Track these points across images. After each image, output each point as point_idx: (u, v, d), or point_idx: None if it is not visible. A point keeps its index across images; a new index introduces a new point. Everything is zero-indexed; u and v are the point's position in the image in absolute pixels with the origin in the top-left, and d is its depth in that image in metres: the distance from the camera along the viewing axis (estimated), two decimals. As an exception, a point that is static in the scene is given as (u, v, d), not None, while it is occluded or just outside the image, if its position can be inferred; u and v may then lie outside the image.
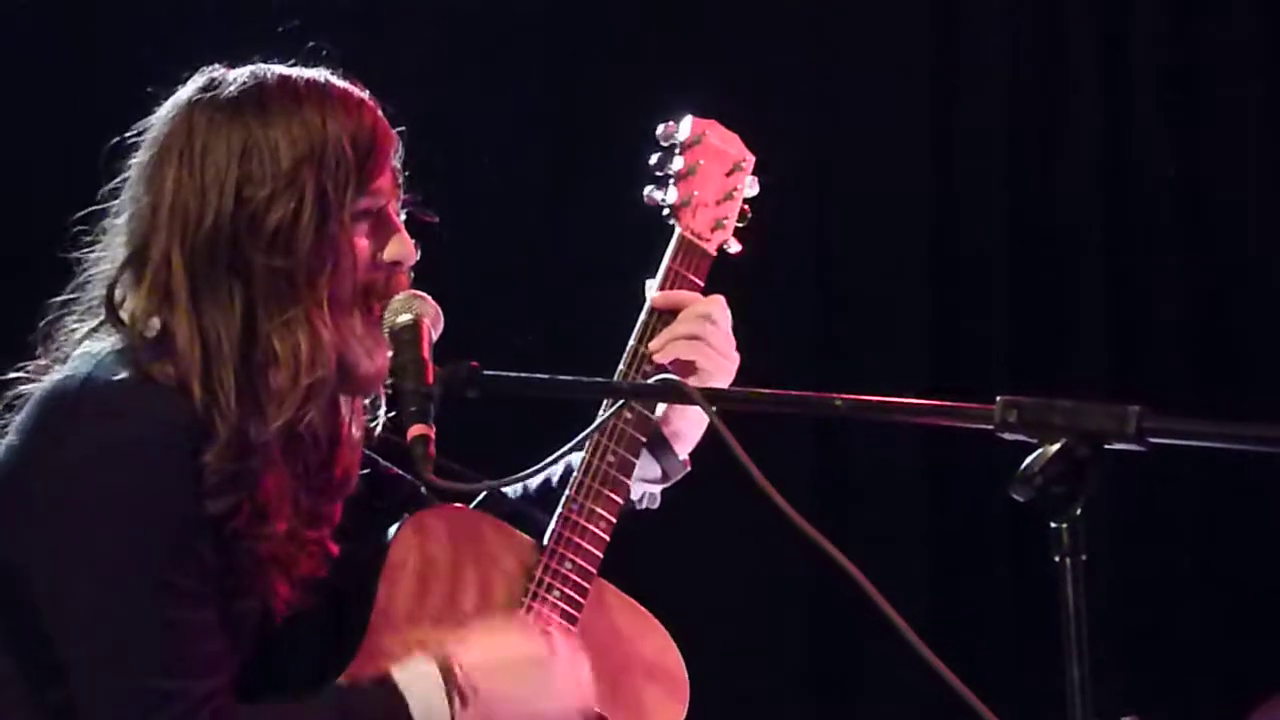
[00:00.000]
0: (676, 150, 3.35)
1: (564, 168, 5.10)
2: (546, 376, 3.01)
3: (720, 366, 3.21)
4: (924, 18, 5.25)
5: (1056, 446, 2.31)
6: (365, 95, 3.01)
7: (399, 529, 3.06)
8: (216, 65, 3.01)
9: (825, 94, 5.25)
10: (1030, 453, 2.32)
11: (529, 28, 5.10)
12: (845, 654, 4.94)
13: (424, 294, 2.96)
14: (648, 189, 3.34)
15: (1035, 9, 5.26)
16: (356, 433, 3.08)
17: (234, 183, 2.90)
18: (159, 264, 2.91)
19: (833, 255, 5.27)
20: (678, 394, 2.73)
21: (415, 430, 2.77)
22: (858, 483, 5.06)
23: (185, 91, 3.00)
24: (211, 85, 2.98)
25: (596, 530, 3.14)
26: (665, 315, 3.24)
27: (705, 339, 3.20)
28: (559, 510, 3.15)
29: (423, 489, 3.11)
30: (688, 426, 3.24)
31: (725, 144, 3.37)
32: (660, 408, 3.22)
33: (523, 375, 2.99)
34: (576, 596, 3.10)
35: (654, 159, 3.36)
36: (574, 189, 5.04)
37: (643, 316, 3.24)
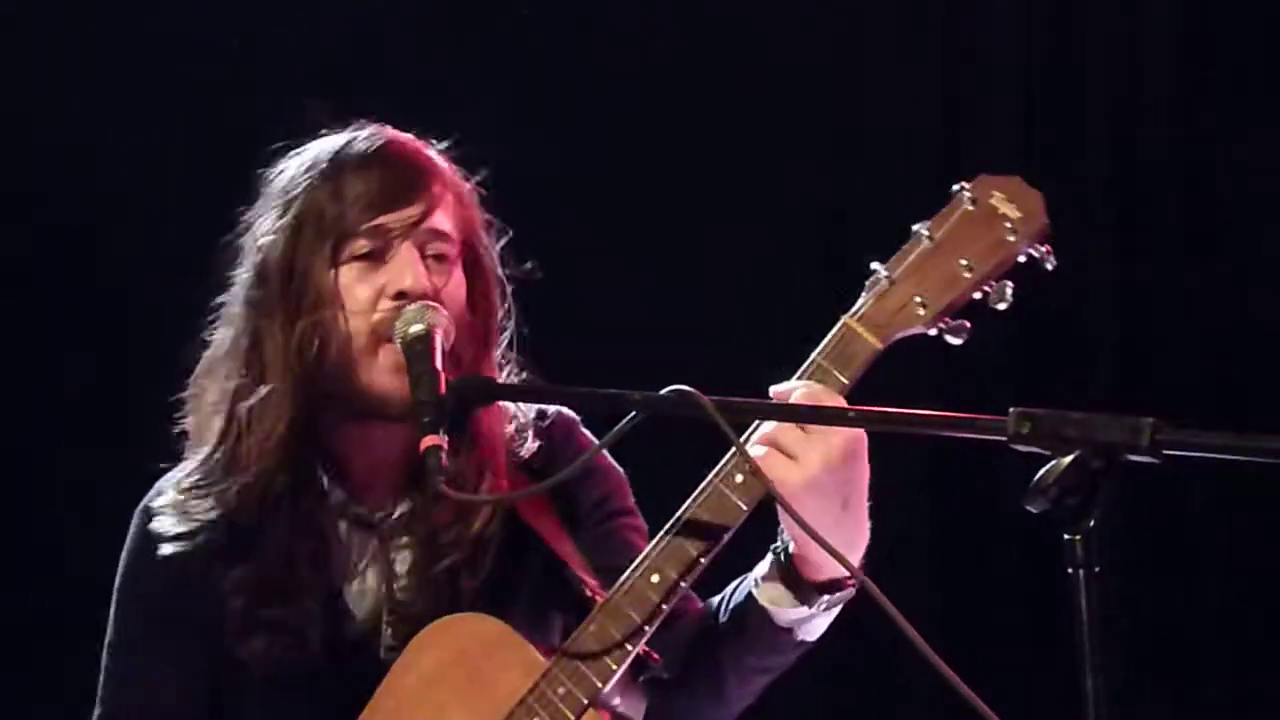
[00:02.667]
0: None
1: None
2: (558, 387, 3.06)
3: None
4: (937, 20, 5.24)
5: (1070, 458, 2.30)
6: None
7: (419, 633, 3.01)
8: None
9: (838, 100, 5.25)
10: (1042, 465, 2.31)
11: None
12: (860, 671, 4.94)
13: (436, 304, 2.97)
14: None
15: (1049, 13, 5.25)
16: None
17: None
18: None
19: (845, 265, 5.25)
20: (688, 405, 2.71)
21: (428, 441, 2.78)
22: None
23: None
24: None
25: (607, 659, 2.90)
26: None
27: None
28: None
29: None
30: (814, 552, 2.88)
31: (1014, 206, 2.89)
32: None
33: (534, 386, 3.05)
34: None
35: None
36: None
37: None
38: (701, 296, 5.11)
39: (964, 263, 2.85)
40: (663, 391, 2.74)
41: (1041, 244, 2.86)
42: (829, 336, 2.89)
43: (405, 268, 3.03)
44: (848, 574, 2.85)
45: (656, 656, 2.97)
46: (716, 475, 2.86)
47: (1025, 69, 5.24)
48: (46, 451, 5.07)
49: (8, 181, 5.09)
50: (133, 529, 3.20)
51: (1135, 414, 2.32)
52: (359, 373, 3.03)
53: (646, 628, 2.88)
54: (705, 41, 5.20)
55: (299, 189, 3.10)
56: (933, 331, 2.87)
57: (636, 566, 2.89)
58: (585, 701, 2.88)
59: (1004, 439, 2.37)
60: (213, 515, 3.11)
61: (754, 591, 2.96)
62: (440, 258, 3.08)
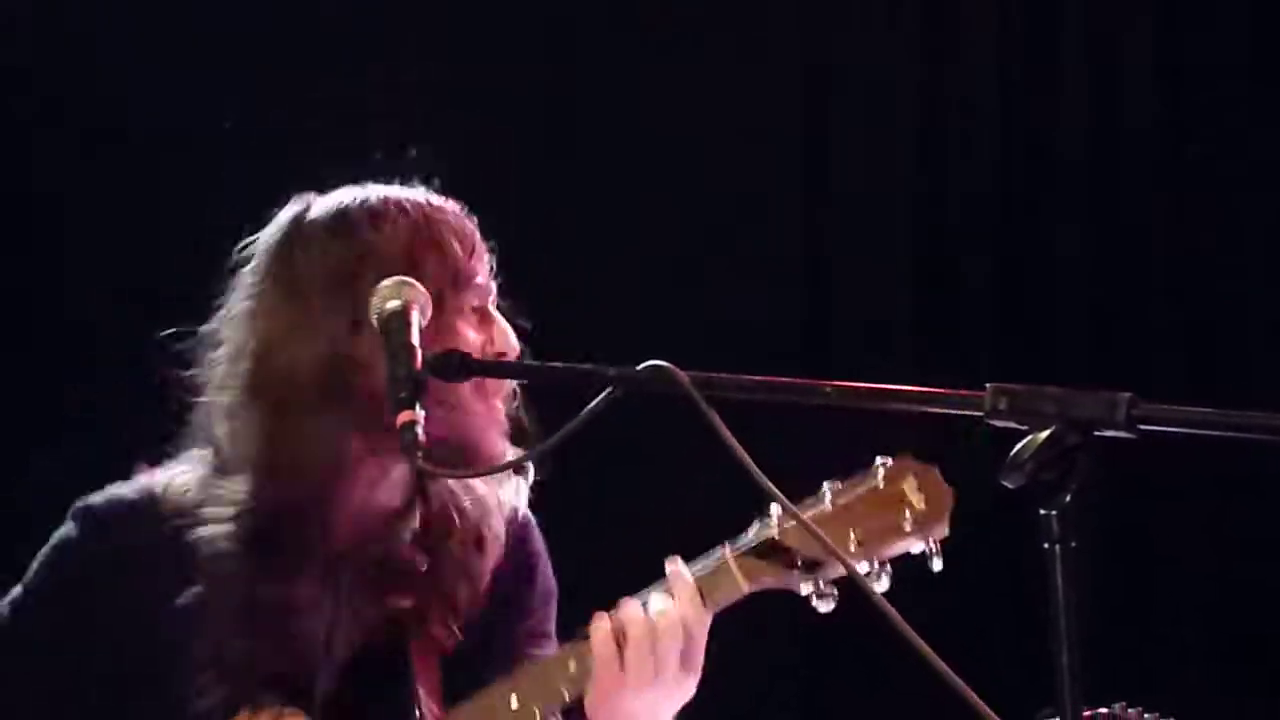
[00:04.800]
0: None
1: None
2: (534, 363, 3.06)
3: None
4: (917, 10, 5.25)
5: (1046, 433, 2.30)
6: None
7: None
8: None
9: (814, 80, 5.24)
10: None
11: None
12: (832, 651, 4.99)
13: (413, 280, 2.93)
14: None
15: (1026, 8, 5.24)
16: None
17: None
18: None
19: (821, 246, 5.27)
20: (666, 381, 2.69)
21: (404, 417, 2.75)
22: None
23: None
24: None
25: None
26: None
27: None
28: None
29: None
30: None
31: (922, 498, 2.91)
32: None
33: (509, 362, 3.03)
34: None
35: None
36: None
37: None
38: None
39: (854, 536, 2.89)
40: (639, 367, 2.71)
41: (935, 542, 2.89)
42: (706, 559, 2.94)
43: (506, 330, 3.05)
44: None
45: None
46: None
47: (1003, 50, 5.26)
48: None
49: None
50: (69, 527, 3.11)
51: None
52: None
53: None
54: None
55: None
56: (804, 591, 2.90)
57: (498, 687, 2.97)
58: None
59: (980, 414, 2.37)
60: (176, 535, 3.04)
61: None
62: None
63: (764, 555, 2.93)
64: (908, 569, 2.88)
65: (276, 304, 3.03)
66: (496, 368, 3.04)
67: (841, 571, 2.85)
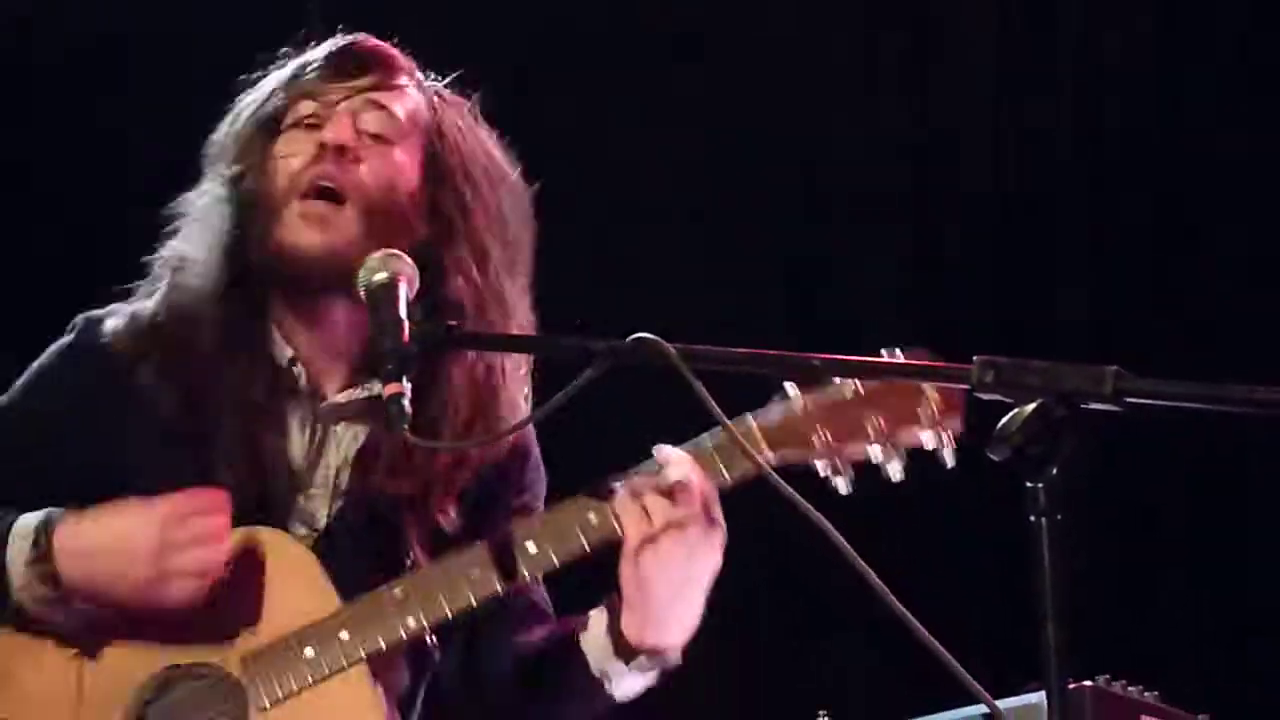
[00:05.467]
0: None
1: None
2: (523, 335, 3.07)
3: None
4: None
5: (1033, 406, 2.29)
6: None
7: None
8: None
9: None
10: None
11: None
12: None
13: (400, 252, 2.93)
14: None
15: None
16: None
17: None
18: None
19: (814, 219, 5.26)
20: (654, 354, 2.67)
21: (391, 389, 2.76)
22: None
23: None
24: None
25: (399, 625, 3.00)
26: None
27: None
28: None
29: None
30: (643, 611, 3.01)
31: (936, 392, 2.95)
32: None
33: (498, 335, 3.05)
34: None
35: None
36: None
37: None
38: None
39: (872, 424, 2.96)
40: (627, 340, 2.70)
41: (949, 435, 2.95)
42: (720, 430, 2.96)
43: (333, 127, 3.12)
44: (670, 645, 3.00)
45: (435, 643, 3.08)
46: (574, 503, 2.98)
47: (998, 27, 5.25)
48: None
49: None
50: (68, 335, 3.21)
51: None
52: (274, 229, 3.10)
53: (449, 613, 2.97)
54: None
55: (261, 83, 3.22)
56: (823, 469, 2.97)
57: (465, 555, 3.00)
58: (363, 655, 2.96)
59: (968, 387, 2.37)
60: (154, 328, 3.14)
61: (580, 636, 3.07)
62: (378, 136, 3.15)
63: (785, 430, 2.99)
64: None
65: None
66: (484, 340, 3.05)
67: (860, 454, 2.94)
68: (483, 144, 3.24)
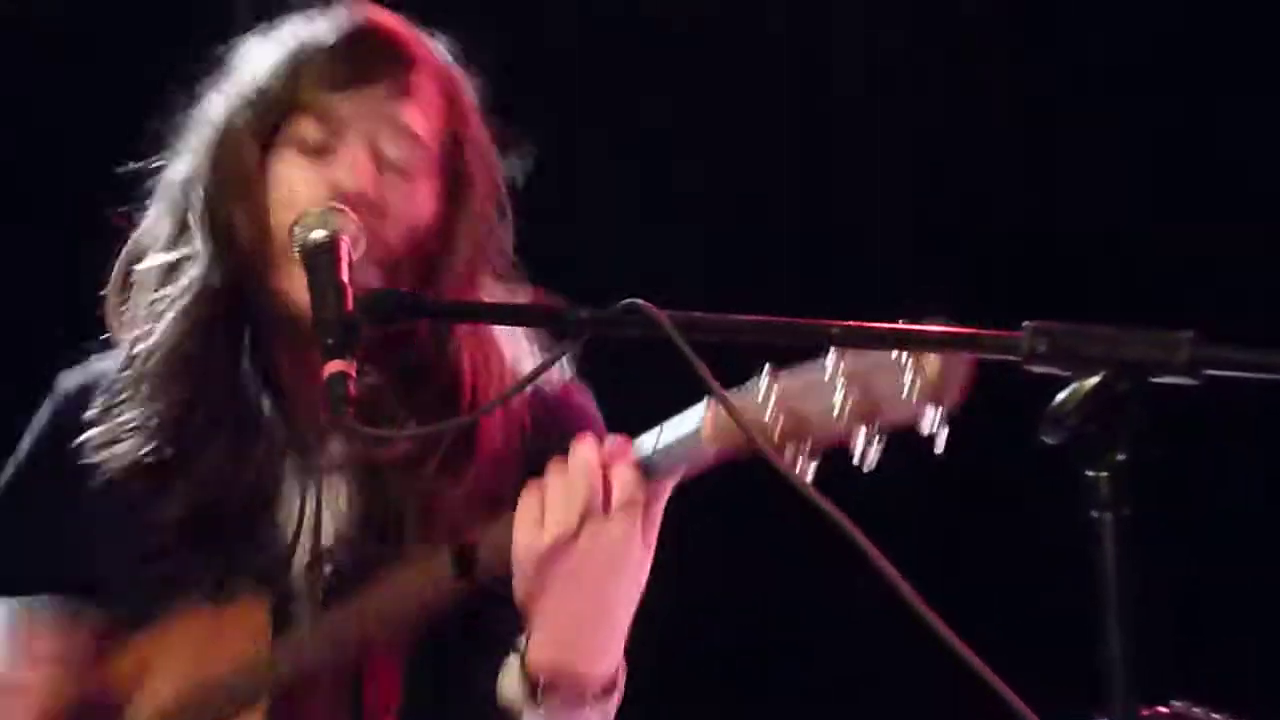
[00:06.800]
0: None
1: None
2: (489, 303, 2.84)
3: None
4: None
5: (1093, 381, 2.10)
6: None
7: None
8: None
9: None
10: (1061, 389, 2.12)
11: None
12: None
13: (344, 207, 2.68)
14: None
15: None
16: None
17: None
18: None
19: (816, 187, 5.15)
20: (644, 323, 2.42)
21: (333, 367, 2.49)
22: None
23: None
24: None
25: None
26: None
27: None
28: None
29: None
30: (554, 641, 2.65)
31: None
32: None
33: (460, 303, 2.80)
34: None
35: None
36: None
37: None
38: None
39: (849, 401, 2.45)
40: (615, 307, 2.44)
41: (946, 415, 2.43)
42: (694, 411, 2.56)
43: (350, 168, 2.74)
44: (596, 674, 2.62)
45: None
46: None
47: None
48: None
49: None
50: (48, 408, 3.00)
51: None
52: (271, 276, 2.77)
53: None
54: None
55: (247, 62, 2.84)
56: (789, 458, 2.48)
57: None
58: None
59: (1017, 359, 2.16)
60: (140, 427, 2.86)
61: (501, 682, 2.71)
62: (402, 170, 2.78)
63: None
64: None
65: None
66: (450, 310, 2.81)
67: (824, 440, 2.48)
68: (485, 131, 2.93)
